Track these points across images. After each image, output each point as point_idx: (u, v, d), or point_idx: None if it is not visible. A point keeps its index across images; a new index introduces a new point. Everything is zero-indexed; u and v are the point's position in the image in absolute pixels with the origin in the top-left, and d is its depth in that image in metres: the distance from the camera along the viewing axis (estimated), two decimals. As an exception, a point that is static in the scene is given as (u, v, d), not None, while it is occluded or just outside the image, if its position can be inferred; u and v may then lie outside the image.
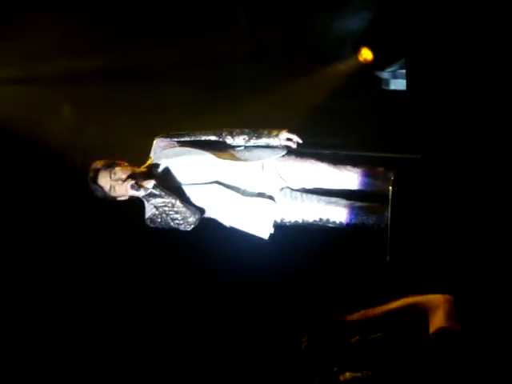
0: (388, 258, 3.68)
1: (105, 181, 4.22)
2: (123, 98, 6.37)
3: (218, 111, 5.97)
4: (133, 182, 4.13)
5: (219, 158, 4.31)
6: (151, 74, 6.51)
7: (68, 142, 6.28)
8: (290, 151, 4.50)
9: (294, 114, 6.07)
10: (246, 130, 4.52)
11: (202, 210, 4.29)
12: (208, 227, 4.47)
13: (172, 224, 4.21)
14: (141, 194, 4.14)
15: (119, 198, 4.27)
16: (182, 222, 4.20)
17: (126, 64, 6.44)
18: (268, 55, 6.55)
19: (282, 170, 4.47)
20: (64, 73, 6.29)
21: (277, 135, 4.46)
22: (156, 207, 4.17)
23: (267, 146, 4.48)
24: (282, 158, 4.47)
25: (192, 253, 5.30)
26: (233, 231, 4.40)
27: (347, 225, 4.29)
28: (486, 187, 3.43)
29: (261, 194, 4.37)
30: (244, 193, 4.34)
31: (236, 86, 6.57)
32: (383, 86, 6.27)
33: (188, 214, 4.19)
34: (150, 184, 4.12)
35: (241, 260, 5.00)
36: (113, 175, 4.20)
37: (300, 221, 4.37)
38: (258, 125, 4.71)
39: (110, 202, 4.30)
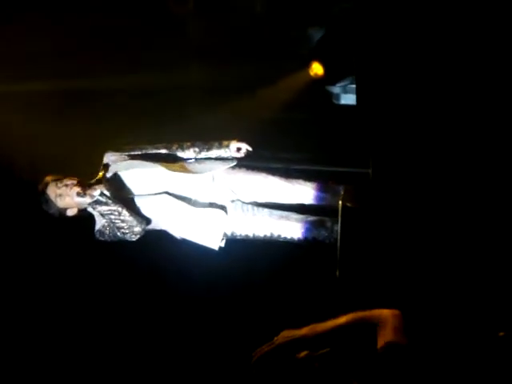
0: (337, 272, 3.68)
1: (51, 190, 4.21)
2: (74, 109, 6.32)
3: (167, 124, 5.94)
4: (79, 188, 4.14)
5: (170, 170, 4.31)
6: (99, 85, 6.46)
7: (16, 154, 6.17)
8: (241, 164, 4.51)
9: (245, 127, 6.07)
10: (197, 143, 4.53)
11: (148, 220, 4.27)
12: (160, 240, 4.46)
13: (118, 234, 4.19)
14: (87, 200, 4.14)
15: (69, 211, 4.24)
16: (127, 231, 4.18)
17: (75, 75, 6.38)
18: (218, 68, 6.55)
19: (233, 183, 4.47)
20: (11, 83, 6.20)
21: (227, 146, 4.48)
22: (102, 215, 4.15)
23: (218, 158, 4.49)
24: (233, 171, 4.48)
25: (143, 264, 5.26)
26: (184, 243, 4.38)
27: (298, 239, 4.30)
28: (436, 202, 3.45)
29: (211, 206, 4.36)
30: (194, 204, 4.33)
31: (185, 98, 6.54)
32: (334, 101, 6.31)
33: (134, 223, 4.18)
34: (96, 191, 4.13)
35: (190, 272, 4.98)
36: (59, 183, 4.19)
37: (251, 235, 4.37)
38: (209, 138, 4.72)
39: (62, 217, 4.27)
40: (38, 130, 5.95)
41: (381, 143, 3.53)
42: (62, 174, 4.32)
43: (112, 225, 4.18)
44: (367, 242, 3.51)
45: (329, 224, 4.20)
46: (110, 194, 4.20)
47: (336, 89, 6.21)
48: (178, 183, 4.33)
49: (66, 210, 4.25)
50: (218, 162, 4.46)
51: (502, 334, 1.91)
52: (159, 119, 6.09)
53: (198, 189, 4.37)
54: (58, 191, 4.20)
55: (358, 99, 3.55)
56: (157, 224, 4.32)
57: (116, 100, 6.41)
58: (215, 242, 4.31)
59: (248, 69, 6.43)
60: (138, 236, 4.22)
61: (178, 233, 4.35)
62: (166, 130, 5.56)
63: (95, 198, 4.13)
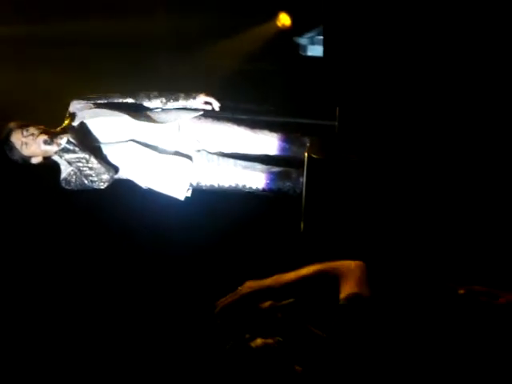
0: (302, 224, 3.69)
1: (16, 137, 4.15)
2: (41, 55, 6.21)
3: (131, 73, 5.86)
4: (45, 136, 4.09)
5: (136, 119, 4.28)
6: (61, 32, 6.34)
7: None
8: (207, 114, 4.49)
9: (211, 77, 6.02)
10: (164, 93, 4.50)
11: (116, 169, 4.24)
12: (125, 191, 4.42)
13: (86, 182, 4.16)
14: (54, 148, 4.10)
15: (34, 159, 4.19)
16: (95, 178, 4.16)
17: (47, 22, 6.26)
18: (184, 18, 6.46)
19: (199, 132, 4.45)
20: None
21: (194, 97, 4.46)
22: (70, 163, 4.12)
23: (185, 109, 4.47)
24: (199, 120, 4.46)
25: (109, 216, 5.22)
26: (149, 193, 4.36)
27: (263, 190, 4.31)
28: (401, 155, 3.46)
29: (177, 155, 4.34)
30: (160, 153, 4.30)
31: (150, 47, 6.46)
32: (301, 52, 6.27)
33: (102, 170, 4.15)
34: (63, 139, 4.09)
35: (156, 222, 4.96)
36: (25, 132, 4.14)
37: (216, 185, 4.37)
38: (175, 87, 4.67)
39: (26, 164, 4.22)
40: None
41: (347, 95, 3.51)
42: (26, 121, 4.25)
43: (79, 173, 4.14)
44: (332, 193, 3.52)
45: (294, 175, 4.21)
46: (77, 141, 4.15)
47: (303, 40, 6.17)
48: (143, 132, 4.30)
49: (30, 157, 4.20)
50: (183, 112, 4.44)
51: (461, 291, 1.93)
52: (123, 68, 6.02)
53: (163, 138, 4.34)
54: (24, 139, 4.13)
55: (325, 51, 3.51)
56: (123, 173, 4.30)
57: (79, 48, 6.31)
58: (181, 192, 4.30)
59: (214, 19, 6.36)
60: (106, 184, 4.19)
61: (143, 182, 4.33)
62: (130, 80, 5.49)
63: (62, 146, 4.08)
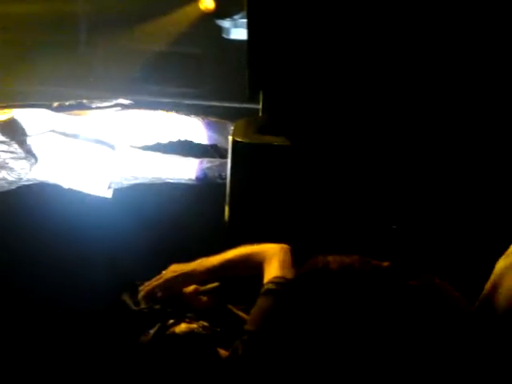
0: (227, 211, 3.67)
1: None
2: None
3: (51, 54, 5.75)
4: None
5: (56, 111, 4.21)
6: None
7: None
8: (127, 104, 4.44)
9: (133, 60, 5.95)
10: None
11: (36, 158, 4.15)
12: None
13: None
14: None
15: None
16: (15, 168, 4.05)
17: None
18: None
19: (119, 124, 4.39)
20: None
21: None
22: None
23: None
24: (119, 112, 4.40)
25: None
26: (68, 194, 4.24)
27: (189, 179, 4.27)
28: (328, 140, 3.47)
29: (98, 145, 4.28)
30: (80, 146, 4.23)
31: (71, 28, 6.33)
32: (224, 35, 6.24)
33: (23, 156, 4.05)
34: None
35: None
36: None
37: (139, 177, 4.30)
38: (100, 73, 4.60)
39: None
40: None
41: (272, 80, 3.50)
42: None
43: None
44: (257, 178, 3.51)
45: (217, 162, 4.19)
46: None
47: (226, 23, 6.13)
48: (63, 123, 4.23)
49: None
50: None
51: (387, 264, 1.95)
52: (42, 49, 5.89)
53: (84, 131, 4.27)
54: None
55: (248, 34, 3.49)
56: (42, 167, 4.17)
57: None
58: (103, 188, 4.21)
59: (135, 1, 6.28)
60: (25, 175, 4.07)
61: (62, 179, 4.20)
62: (50, 62, 5.38)
63: None
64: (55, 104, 4.35)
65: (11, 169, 4.03)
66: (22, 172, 4.06)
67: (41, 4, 6.18)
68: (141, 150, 4.34)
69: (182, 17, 6.36)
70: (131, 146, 4.37)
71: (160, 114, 4.47)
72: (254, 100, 3.86)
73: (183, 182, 4.27)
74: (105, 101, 4.74)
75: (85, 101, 4.67)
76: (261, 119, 3.74)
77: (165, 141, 4.44)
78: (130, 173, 4.28)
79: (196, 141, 4.45)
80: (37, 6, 6.14)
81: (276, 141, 3.49)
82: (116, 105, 4.50)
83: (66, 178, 4.18)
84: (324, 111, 3.49)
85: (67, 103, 4.53)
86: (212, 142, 4.50)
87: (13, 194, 4.06)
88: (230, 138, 3.56)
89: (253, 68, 3.46)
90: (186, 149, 4.43)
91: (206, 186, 4.28)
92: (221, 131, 4.41)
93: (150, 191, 4.28)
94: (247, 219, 3.51)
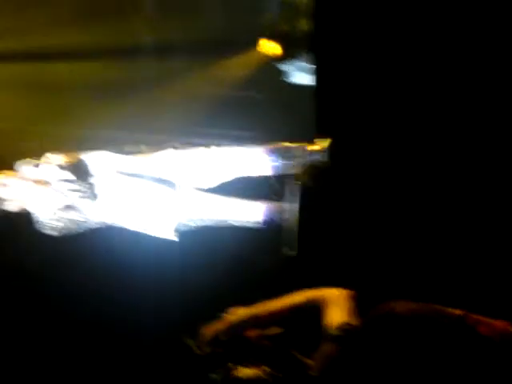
0: (291, 251, 3.66)
1: None
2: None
3: (118, 100, 5.85)
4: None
5: (120, 153, 4.26)
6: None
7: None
8: (190, 145, 4.46)
9: (196, 104, 6.02)
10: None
11: (106, 202, 4.18)
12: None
13: (72, 217, 4.10)
14: (44, 175, 4.07)
15: (10, 204, 4.11)
16: (85, 212, 4.09)
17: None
18: (170, 46, 6.46)
19: (183, 165, 4.41)
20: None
21: None
22: (59, 192, 4.07)
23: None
24: (184, 151, 4.42)
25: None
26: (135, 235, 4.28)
27: (254, 223, 4.25)
28: (392, 186, 3.45)
29: (163, 187, 4.29)
30: (146, 185, 4.26)
31: (137, 75, 6.45)
32: (285, 79, 6.29)
33: (92, 201, 4.10)
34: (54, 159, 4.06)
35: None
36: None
37: (205, 219, 4.30)
38: (162, 115, 4.65)
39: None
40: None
41: (336, 122, 3.51)
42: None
43: (64, 210, 4.09)
44: (323, 221, 3.50)
45: (285, 205, 4.17)
46: (71, 170, 4.11)
47: (288, 67, 6.18)
48: (126, 164, 4.27)
49: (4, 202, 4.12)
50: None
51: (460, 313, 1.91)
52: (108, 95, 6.00)
53: (149, 173, 4.30)
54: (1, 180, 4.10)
55: (316, 79, 3.51)
56: (110, 210, 4.21)
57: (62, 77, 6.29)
58: (169, 230, 4.22)
59: (199, 44, 6.37)
60: (93, 220, 4.12)
61: (129, 222, 4.24)
62: (117, 107, 5.48)
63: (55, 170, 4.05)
64: (120, 148, 4.41)
65: (79, 209, 4.09)
66: (89, 213, 4.12)
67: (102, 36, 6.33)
68: (205, 191, 4.35)
69: (244, 61, 6.43)
70: (195, 187, 4.38)
71: (220, 150, 4.47)
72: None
73: (249, 225, 4.26)
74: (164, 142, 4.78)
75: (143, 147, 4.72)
76: (326, 163, 3.74)
77: (228, 178, 4.44)
78: (196, 215, 4.29)
79: (258, 173, 4.42)
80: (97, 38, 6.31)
81: (341, 185, 3.49)
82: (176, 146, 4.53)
83: (132, 219, 4.22)
84: (389, 155, 3.48)
85: (130, 148, 4.58)
86: (274, 170, 4.45)
87: (80, 237, 4.13)
88: (298, 182, 3.56)
89: (320, 112, 3.48)
90: (250, 186, 4.43)
91: (270, 230, 4.28)
92: (282, 155, 4.37)
93: (216, 234, 4.30)
94: (312, 259, 3.50)
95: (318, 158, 3.83)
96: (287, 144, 4.31)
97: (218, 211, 4.29)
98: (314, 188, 3.48)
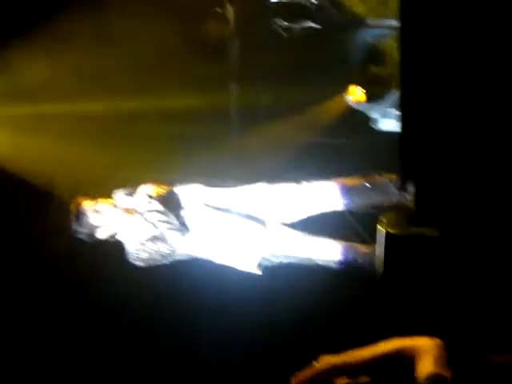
0: (379, 299, 3.63)
1: (88, 204, 4.23)
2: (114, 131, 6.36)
3: (210, 146, 5.96)
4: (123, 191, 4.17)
5: (208, 185, 4.30)
6: (136, 108, 6.49)
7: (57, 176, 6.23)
8: (278, 182, 4.47)
9: (283, 150, 6.07)
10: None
11: (191, 233, 4.20)
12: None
13: (158, 249, 4.15)
14: (134, 204, 4.17)
15: (101, 232, 4.19)
16: (170, 243, 4.13)
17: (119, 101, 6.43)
18: (257, 91, 6.56)
19: (270, 201, 4.41)
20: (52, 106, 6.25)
21: None
22: (148, 222, 4.12)
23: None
24: (269, 188, 4.42)
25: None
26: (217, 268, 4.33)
27: (335, 262, 4.23)
28: (480, 231, 3.40)
29: (249, 222, 4.30)
30: (232, 218, 4.27)
31: (228, 121, 6.56)
32: (372, 125, 6.28)
33: (178, 233, 4.15)
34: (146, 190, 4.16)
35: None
36: (97, 201, 4.20)
37: (288, 255, 4.30)
38: (252, 161, 4.71)
39: (91, 239, 4.23)
40: (79, 153, 6.00)
41: (423, 170, 3.48)
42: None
43: (152, 241, 4.15)
44: (410, 269, 3.47)
45: (368, 249, 4.15)
46: (159, 201, 4.18)
47: (375, 113, 6.18)
48: (215, 197, 4.30)
49: (98, 228, 4.20)
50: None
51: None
52: (197, 141, 6.11)
53: (236, 206, 4.33)
54: (96, 207, 4.18)
55: (399, 125, 3.50)
56: (195, 242, 4.26)
57: (152, 123, 6.44)
58: (253, 263, 4.25)
59: (286, 92, 6.43)
60: (178, 250, 4.17)
61: (213, 254, 4.29)
62: (204, 153, 5.58)
63: (146, 201, 4.15)
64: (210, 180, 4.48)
65: (166, 241, 4.14)
66: (176, 244, 4.18)
67: (195, 97, 6.47)
68: (291, 228, 4.35)
69: (330, 108, 6.47)
70: (281, 223, 4.39)
71: (306, 187, 4.47)
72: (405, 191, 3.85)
73: (331, 265, 4.24)
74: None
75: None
76: (410, 210, 3.72)
77: (312, 214, 4.43)
78: (280, 251, 4.29)
79: (342, 210, 4.40)
80: (191, 100, 6.44)
81: (427, 232, 3.45)
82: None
83: (217, 252, 4.25)
84: (475, 203, 3.43)
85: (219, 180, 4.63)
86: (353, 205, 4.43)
87: (166, 268, 4.20)
88: (382, 229, 3.54)
89: (405, 159, 3.46)
90: (335, 224, 4.41)
91: (353, 272, 4.25)
92: (359, 194, 4.35)
93: (299, 272, 4.30)
94: (400, 309, 3.46)
95: (403, 198, 3.81)
96: (372, 179, 4.29)
97: (302, 248, 4.27)
98: (399, 235, 3.45)
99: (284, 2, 7.26)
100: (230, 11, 7.31)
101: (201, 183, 4.34)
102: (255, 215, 4.35)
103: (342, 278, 4.28)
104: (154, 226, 4.15)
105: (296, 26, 7.34)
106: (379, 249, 3.64)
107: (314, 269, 4.30)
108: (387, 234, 3.44)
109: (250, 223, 4.29)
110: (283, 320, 4.49)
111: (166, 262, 4.24)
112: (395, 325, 3.36)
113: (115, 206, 4.24)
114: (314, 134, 6.42)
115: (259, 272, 4.26)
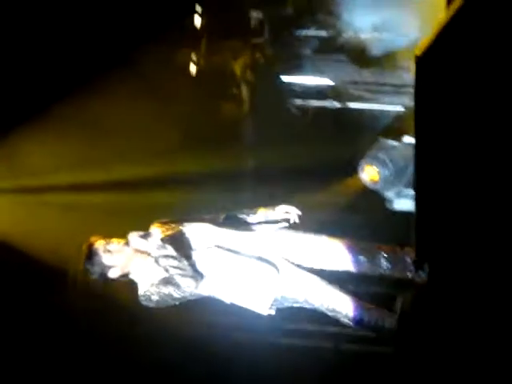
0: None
1: (99, 243, 4.17)
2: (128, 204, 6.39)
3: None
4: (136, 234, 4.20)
5: (219, 226, 4.26)
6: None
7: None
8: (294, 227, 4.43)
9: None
10: (244, 210, 4.48)
11: (202, 275, 4.15)
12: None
13: (169, 292, 4.08)
14: (146, 246, 4.16)
15: (113, 271, 4.13)
16: (182, 284, 4.05)
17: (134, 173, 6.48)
18: (275, 173, 6.60)
19: (282, 244, 4.34)
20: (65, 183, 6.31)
21: (274, 209, 4.43)
22: (158, 264, 4.09)
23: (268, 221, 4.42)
24: (282, 232, 4.38)
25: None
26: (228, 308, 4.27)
27: (349, 317, 4.15)
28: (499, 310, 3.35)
29: (262, 263, 4.21)
30: (244, 260, 4.19)
31: (241, 199, 6.58)
32: (387, 205, 6.26)
33: (190, 274, 4.06)
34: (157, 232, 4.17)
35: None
36: (109, 241, 4.20)
37: (301, 300, 4.21)
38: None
39: (103, 279, 4.19)
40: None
41: (437, 250, 3.45)
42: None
43: (162, 283, 4.10)
44: (426, 350, 3.41)
45: (382, 313, 4.07)
46: (169, 242, 4.18)
47: (390, 193, 6.17)
48: (227, 239, 4.26)
49: (110, 268, 4.15)
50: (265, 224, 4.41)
51: None
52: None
53: (247, 247, 4.27)
54: (108, 246, 4.18)
55: (415, 206, 3.49)
56: (206, 283, 4.15)
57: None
58: (265, 306, 4.14)
59: (305, 172, 6.47)
60: (189, 293, 4.10)
61: (225, 294, 4.17)
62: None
63: (156, 243, 4.13)
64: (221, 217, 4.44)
65: (178, 285, 4.07)
66: (188, 290, 4.09)
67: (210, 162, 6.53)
68: (302, 273, 4.27)
69: (345, 188, 6.48)
70: (293, 266, 4.30)
71: (323, 239, 4.43)
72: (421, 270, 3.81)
73: (343, 318, 4.14)
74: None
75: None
76: (426, 291, 3.68)
77: (328, 266, 4.37)
78: (292, 295, 4.19)
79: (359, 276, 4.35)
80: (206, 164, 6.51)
81: (442, 315, 3.42)
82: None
83: (229, 294, 4.14)
84: (492, 284, 3.38)
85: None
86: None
87: (178, 308, 4.18)
88: (398, 310, 3.50)
89: (420, 239, 3.44)
90: (349, 283, 4.35)
91: (366, 330, 4.19)
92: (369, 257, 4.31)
93: (308, 317, 4.21)
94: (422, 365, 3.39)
95: (419, 276, 3.77)
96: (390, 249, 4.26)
97: (313, 295, 4.18)
98: (414, 316, 3.40)
99: (298, 83, 7.38)
100: (245, 91, 7.42)
101: (212, 223, 4.29)
102: (268, 258, 4.25)
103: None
104: (167, 270, 4.11)
105: (310, 105, 7.44)
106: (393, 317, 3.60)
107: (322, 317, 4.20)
108: (401, 313, 3.40)
109: (261, 265, 4.19)
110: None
111: (175, 303, 4.18)
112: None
113: (128, 246, 4.22)
114: (328, 213, 6.41)
115: (266, 312, 4.15)
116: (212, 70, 7.35)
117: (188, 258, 4.14)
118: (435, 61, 3.26)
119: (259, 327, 5.48)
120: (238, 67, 7.41)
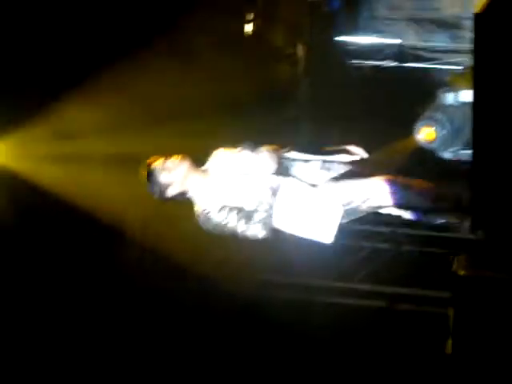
0: (449, 344, 3.55)
1: (158, 162, 4.12)
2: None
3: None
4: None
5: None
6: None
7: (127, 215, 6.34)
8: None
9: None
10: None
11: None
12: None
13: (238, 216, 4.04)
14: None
15: (171, 189, 4.06)
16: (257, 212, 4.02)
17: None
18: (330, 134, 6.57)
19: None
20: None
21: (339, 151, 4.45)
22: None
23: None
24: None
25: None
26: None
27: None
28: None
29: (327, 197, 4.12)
30: (310, 192, 4.11)
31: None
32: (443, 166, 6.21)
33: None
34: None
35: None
36: (167, 158, 4.15)
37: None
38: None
39: (162, 198, 4.15)
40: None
41: (496, 209, 3.41)
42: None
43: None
44: (481, 311, 3.39)
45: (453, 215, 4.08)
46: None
47: (447, 153, 6.12)
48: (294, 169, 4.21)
49: (168, 186, 4.11)
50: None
51: None
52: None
53: (311, 176, 4.20)
54: (165, 165, 4.16)
55: (471, 167, 3.45)
56: (275, 210, 4.04)
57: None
58: (329, 235, 4.04)
59: (355, 132, 6.43)
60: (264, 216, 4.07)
61: (290, 226, 4.06)
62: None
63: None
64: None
65: (241, 210, 3.97)
66: (248, 218, 3.99)
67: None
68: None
69: (401, 147, 6.43)
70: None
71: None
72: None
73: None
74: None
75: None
76: (483, 252, 3.65)
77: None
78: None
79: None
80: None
81: (498, 275, 3.39)
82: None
83: (294, 225, 4.04)
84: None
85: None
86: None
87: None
88: (453, 271, 3.48)
89: (476, 203, 3.41)
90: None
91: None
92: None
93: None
94: (472, 353, 3.38)
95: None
96: None
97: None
98: (470, 277, 3.38)
99: (354, 43, 7.32)
100: (301, 52, 7.38)
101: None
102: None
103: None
104: (228, 192, 4.03)
105: (367, 65, 7.38)
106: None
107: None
108: (455, 275, 3.39)
109: (327, 198, 4.08)
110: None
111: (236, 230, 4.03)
112: (467, 367, 3.29)
113: (187, 164, 4.13)
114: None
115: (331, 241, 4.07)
116: (268, 31, 7.32)
117: (254, 178, 4.04)
118: (494, 18, 3.20)
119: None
120: (294, 27, 7.37)
